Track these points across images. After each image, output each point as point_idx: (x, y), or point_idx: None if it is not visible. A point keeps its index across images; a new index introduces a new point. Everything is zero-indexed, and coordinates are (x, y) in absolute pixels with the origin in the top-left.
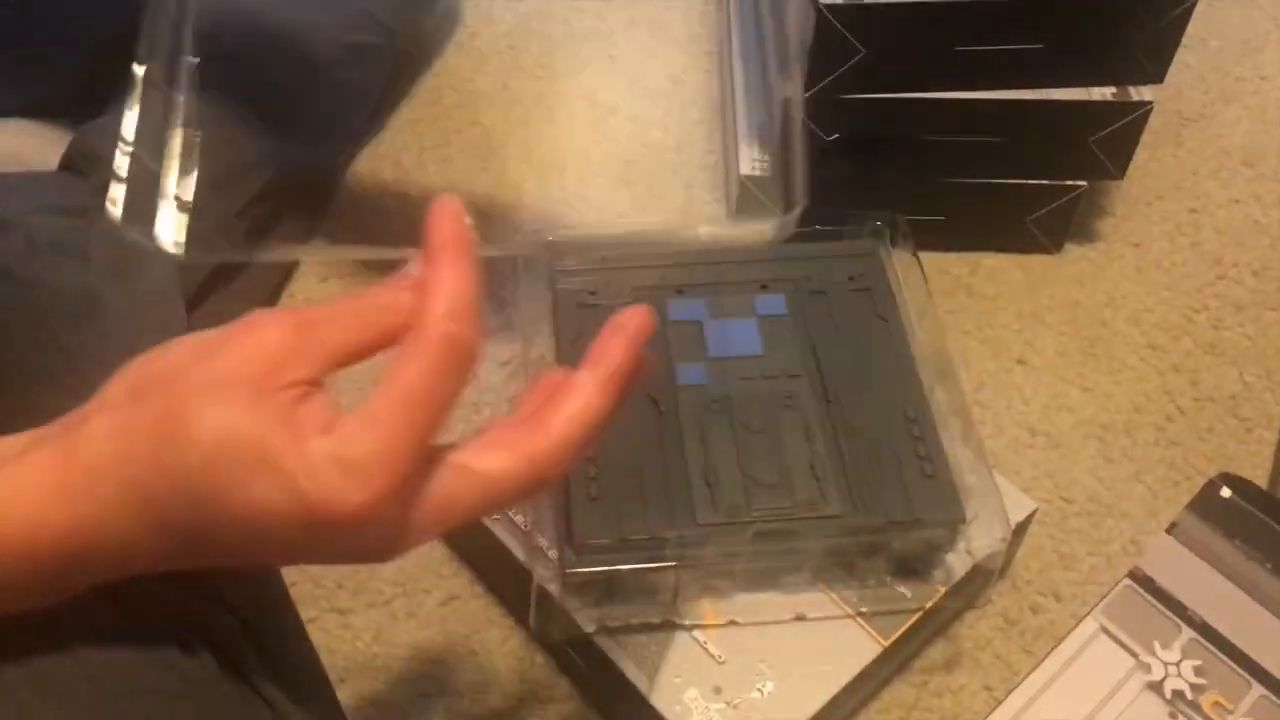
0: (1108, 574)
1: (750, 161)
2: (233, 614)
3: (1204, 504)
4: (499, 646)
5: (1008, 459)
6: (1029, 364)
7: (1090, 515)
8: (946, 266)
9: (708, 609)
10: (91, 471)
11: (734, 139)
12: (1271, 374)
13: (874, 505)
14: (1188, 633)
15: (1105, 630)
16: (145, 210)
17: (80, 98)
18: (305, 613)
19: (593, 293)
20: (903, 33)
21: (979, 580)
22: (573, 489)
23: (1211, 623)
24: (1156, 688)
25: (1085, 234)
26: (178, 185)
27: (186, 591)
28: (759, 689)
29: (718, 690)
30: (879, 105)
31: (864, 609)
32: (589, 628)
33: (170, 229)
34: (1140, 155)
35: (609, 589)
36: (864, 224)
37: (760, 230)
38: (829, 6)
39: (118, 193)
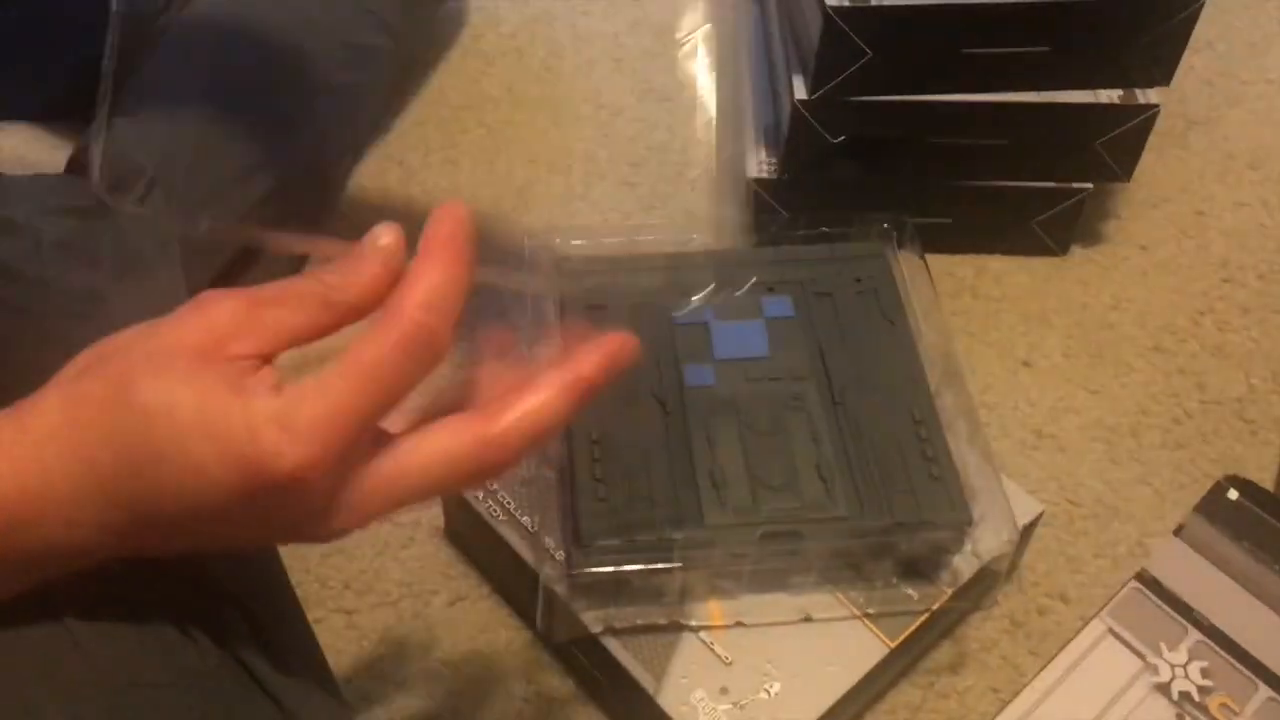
0: (1114, 576)
1: (757, 164)
2: (235, 605)
3: (1211, 506)
4: (506, 647)
5: (1014, 461)
6: (1035, 366)
7: (1097, 517)
8: (952, 269)
9: (715, 610)
10: (38, 441)
11: (741, 141)
12: (1277, 376)
13: (881, 507)
14: (1194, 634)
15: (1112, 632)
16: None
17: (86, 100)
18: (311, 613)
19: (599, 294)
20: (909, 36)
21: (985, 582)
22: (580, 490)
23: (1218, 625)
24: (1164, 689)
25: (1091, 236)
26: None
27: (187, 583)
28: (766, 689)
29: (724, 691)
30: (885, 108)
31: (871, 610)
32: (596, 628)
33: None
34: (1146, 158)
35: (616, 590)
36: (870, 226)
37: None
38: (835, 9)
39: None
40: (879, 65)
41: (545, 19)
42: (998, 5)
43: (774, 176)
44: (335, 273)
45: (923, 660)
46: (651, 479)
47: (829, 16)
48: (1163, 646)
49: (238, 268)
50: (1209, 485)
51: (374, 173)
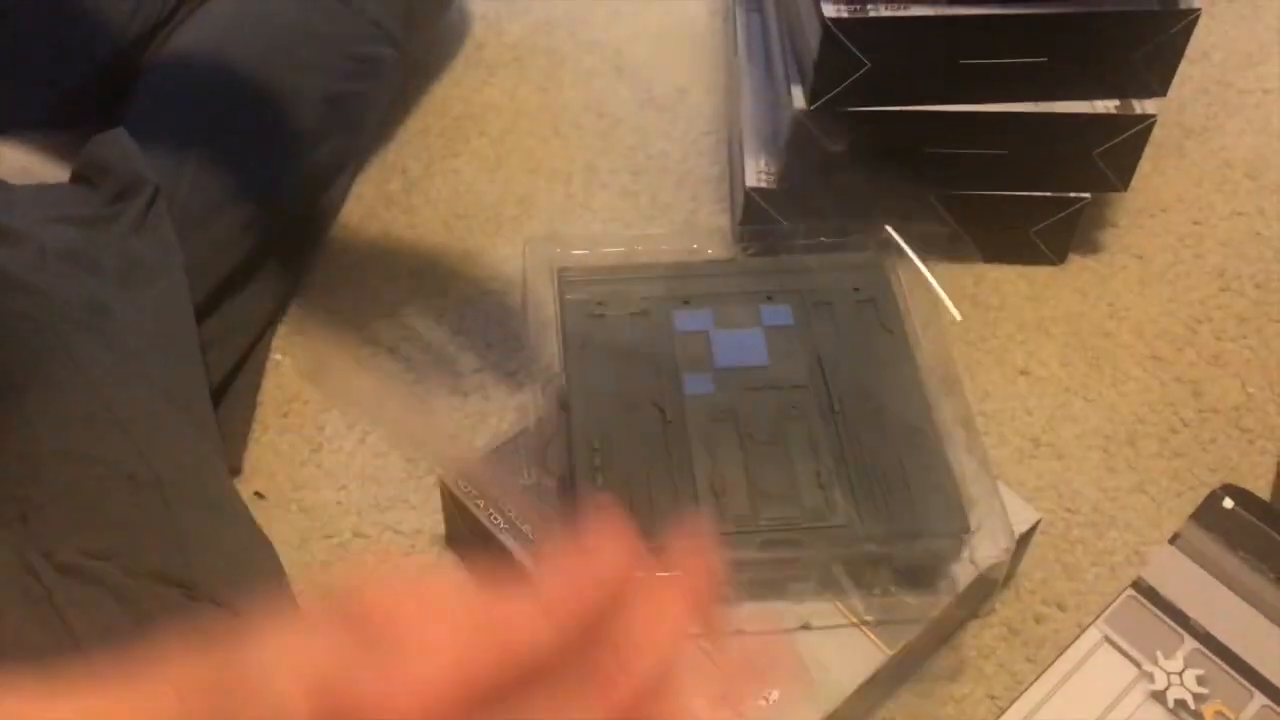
0: (1111, 584)
1: (757, 173)
2: (240, 617)
3: (1207, 515)
4: None
5: (1012, 469)
6: (1033, 375)
7: (1094, 526)
8: (951, 278)
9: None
10: None
11: (740, 151)
12: (1274, 385)
13: (879, 515)
14: (1190, 643)
15: (1108, 640)
16: None
17: (90, 111)
18: None
19: (600, 303)
20: (907, 46)
21: (983, 590)
22: (580, 498)
23: (1214, 633)
24: (1159, 697)
25: (1089, 246)
26: None
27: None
28: (764, 697)
29: (723, 698)
30: (884, 118)
31: (869, 618)
32: None
33: None
34: (1143, 167)
35: None
36: (869, 235)
37: None
38: (835, 20)
39: None
40: (878, 76)
41: (547, 28)
42: (996, 17)
43: (773, 186)
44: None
45: (921, 668)
46: (651, 487)
47: (828, 27)
48: (1159, 654)
49: (243, 276)
50: (1205, 494)
51: (376, 181)
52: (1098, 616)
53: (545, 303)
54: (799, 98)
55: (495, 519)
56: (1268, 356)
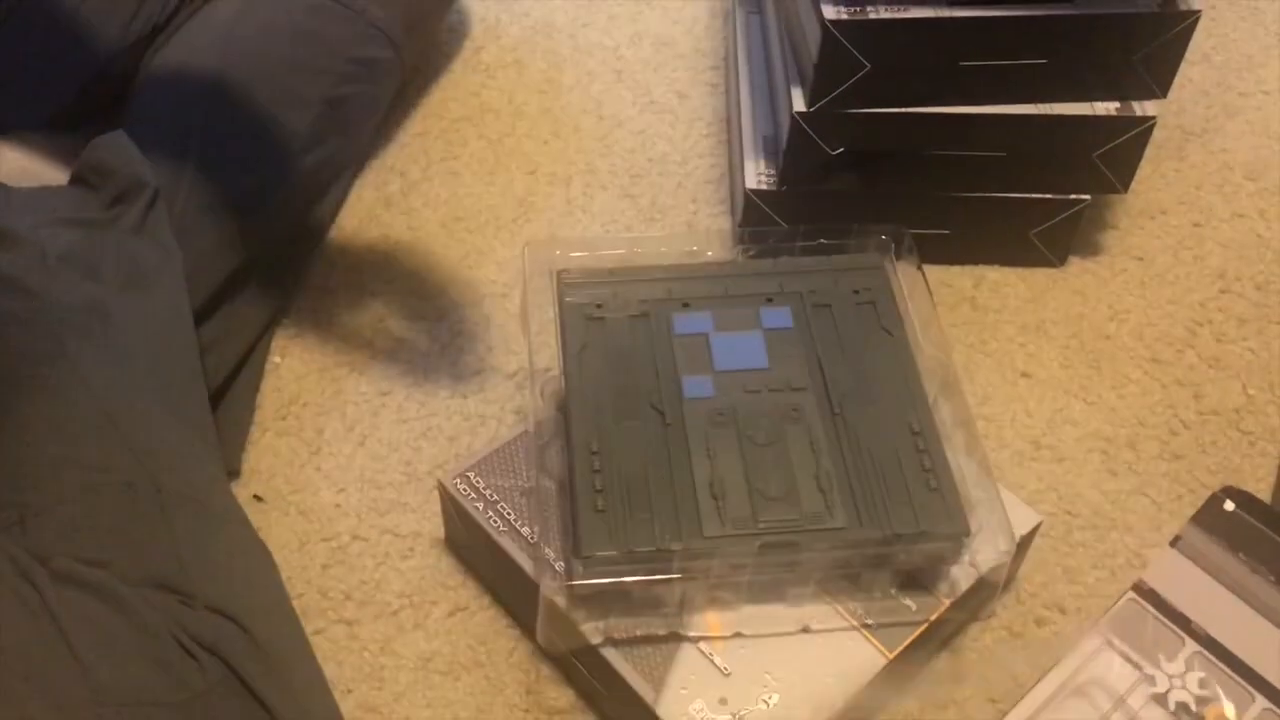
0: (1112, 587)
1: (756, 175)
2: (234, 622)
3: (1207, 517)
4: (506, 658)
5: (1012, 472)
6: (1033, 377)
7: (1094, 528)
8: (950, 280)
9: (713, 621)
10: None
11: (739, 153)
12: (1275, 387)
13: (879, 518)
14: (1192, 645)
15: (1109, 643)
16: None
17: (89, 113)
18: (312, 624)
19: (599, 305)
20: (907, 48)
21: (983, 593)
22: (580, 501)
23: (1215, 635)
24: (1161, 700)
25: (1089, 248)
26: None
27: (191, 601)
28: (764, 700)
29: (723, 702)
30: (883, 120)
31: (869, 621)
32: (595, 639)
33: None
34: (1143, 169)
35: (615, 601)
36: (869, 238)
37: None
38: (834, 22)
39: None
40: (877, 77)
41: (546, 31)
42: (995, 18)
43: (773, 188)
44: None
45: (921, 671)
46: (651, 490)
47: (828, 29)
48: (1160, 657)
49: (242, 278)
50: (1206, 496)
51: (374, 183)
52: (1099, 619)
53: (544, 305)
54: (799, 99)
55: (494, 522)
56: (1268, 358)
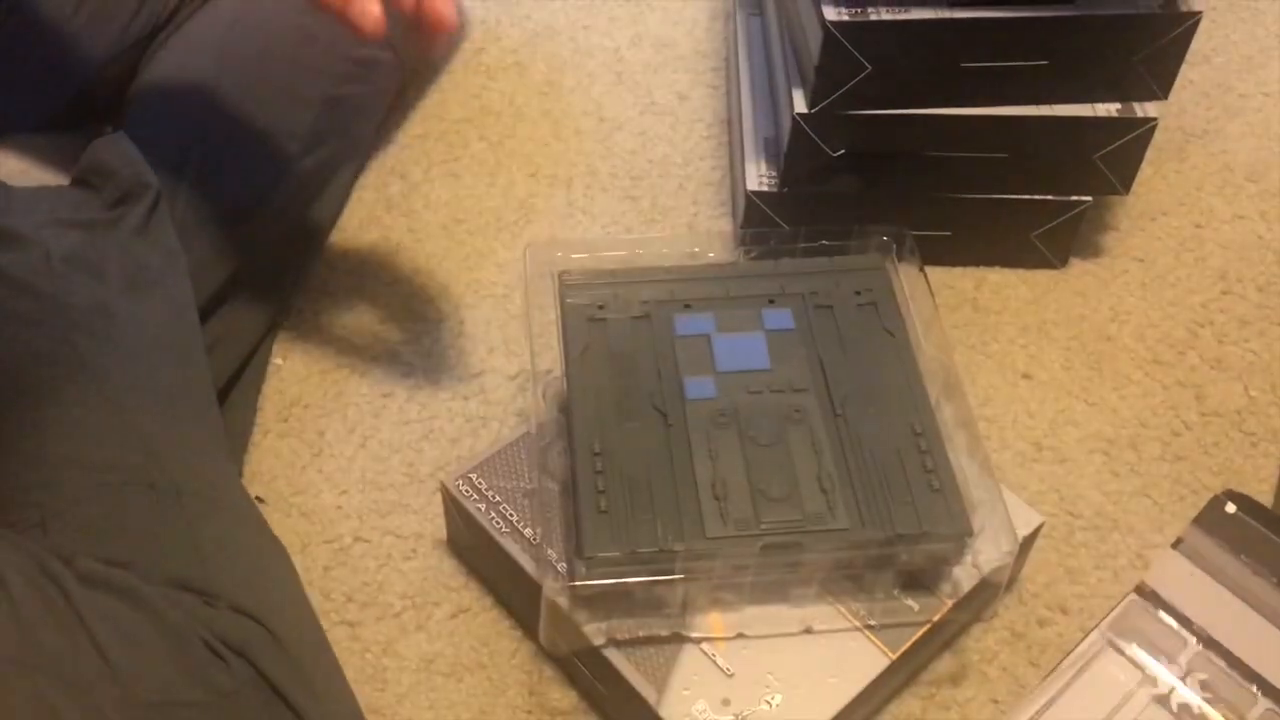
0: (1114, 588)
1: (757, 177)
2: (260, 623)
3: (1209, 519)
4: (508, 659)
5: (1014, 473)
6: (1034, 378)
7: (1097, 530)
8: (952, 281)
9: (716, 622)
10: None
11: (740, 154)
12: (1276, 389)
13: (881, 519)
14: (1194, 647)
15: (1112, 644)
16: None
17: (90, 113)
18: None
19: (601, 306)
20: (908, 50)
21: (986, 594)
22: (582, 502)
23: (1217, 637)
24: (1163, 701)
25: (1090, 249)
26: None
27: (214, 601)
28: (767, 701)
29: (726, 703)
30: (885, 121)
31: (871, 622)
32: (598, 640)
33: None
34: (1144, 171)
35: (618, 602)
36: (870, 239)
37: None
38: (835, 23)
39: None
40: (879, 79)
41: (547, 33)
42: (996, 20)
43: (774, 190)
44: None
45: (924, 672)
46: (653, 491)
47: (829, 30)
48: (1162, 658)
49: (244, 278)
50: (1208, 498)
51: (375, 185)
52: (1101, 621)
53: (546, 307)
54: (800, 101)
55: (496, 523)
56: (1270, 359)
